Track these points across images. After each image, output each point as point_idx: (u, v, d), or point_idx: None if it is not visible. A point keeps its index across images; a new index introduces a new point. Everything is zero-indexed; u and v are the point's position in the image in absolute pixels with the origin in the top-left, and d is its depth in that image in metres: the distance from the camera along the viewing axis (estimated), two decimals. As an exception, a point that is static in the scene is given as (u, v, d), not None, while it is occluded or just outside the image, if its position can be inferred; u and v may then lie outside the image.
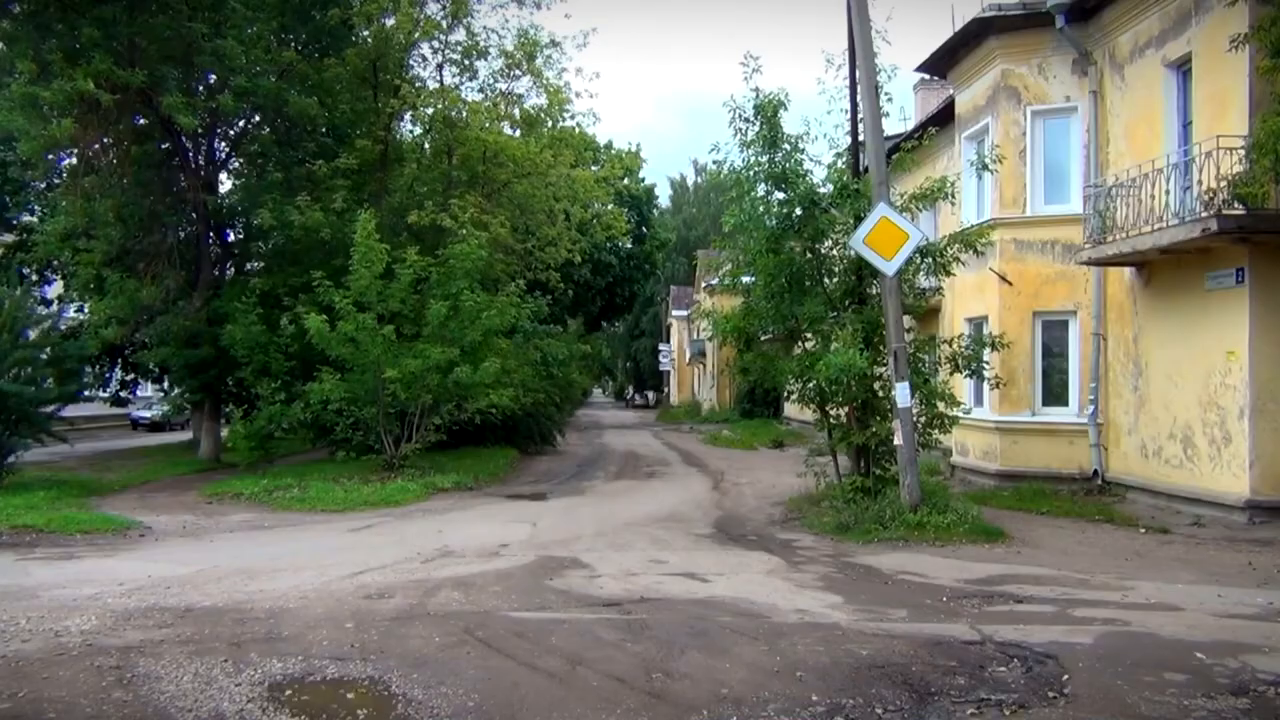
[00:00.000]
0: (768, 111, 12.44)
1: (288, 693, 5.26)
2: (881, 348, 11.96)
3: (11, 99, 17.33)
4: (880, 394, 12.17)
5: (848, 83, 13.00)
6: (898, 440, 11.16)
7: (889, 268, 11.07)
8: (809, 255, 12.82)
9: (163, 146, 21.03)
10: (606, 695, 5.21)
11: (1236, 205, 10.37)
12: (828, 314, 12.59)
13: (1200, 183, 10.85)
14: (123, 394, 31.37)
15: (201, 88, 20.24)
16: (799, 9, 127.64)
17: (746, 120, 12.64)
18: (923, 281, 13.49)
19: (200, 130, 20.42)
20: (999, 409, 14.52)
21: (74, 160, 20.00)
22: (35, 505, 13.12)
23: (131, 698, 5.15)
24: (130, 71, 17.15)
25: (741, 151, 12.79)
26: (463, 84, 22.32)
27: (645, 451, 26.19)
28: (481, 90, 22.51)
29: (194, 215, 21.44)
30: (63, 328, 20.32)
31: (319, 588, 8.00)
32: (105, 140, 19.29)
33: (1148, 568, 9.00)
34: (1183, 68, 12.39)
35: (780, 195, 12.72)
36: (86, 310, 23.91)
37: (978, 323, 15.31)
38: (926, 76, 20.27)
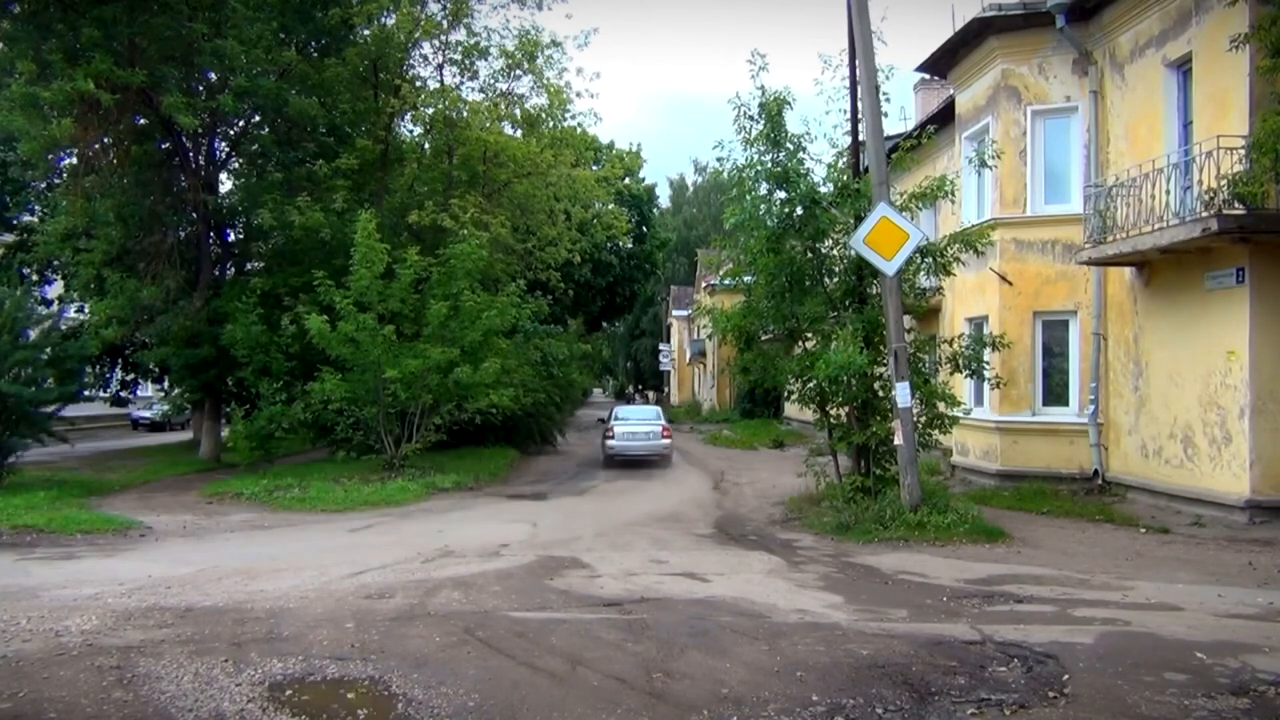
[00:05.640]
0: (772, 110, 12.44)
1: (288, 693, 5.26)
2: (882, 348, 11.96)
3: (11, 99, 17.33)
4: (880, 394, 12.18)
5: (847, 83, 13.01)
6: (898, 440, 11.16)
7: (889, 267, 11.08)
8: (809, 255, 12.83)
9: (163, 146, 21.03)
10: (607, 695, 5.21)
11: (1237, 205, 10.38)
12: (828, 314, 12.61)
13: (1200, 183, 10.85)
14: (123, 394, 31.36)
15: (201, 88, 20.25)
16: (791, 10, 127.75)
17: (750, 118, 12.65)
18: (923, 281, 13.50)
19: (200, 130, 20.42)
20: (999, 409, 14.51)
21: (74, 160, 19.97)
22: (36, 505, 13.12)
23: (132, 698, 5.15)
24: (130, 71, 17.14)
25: (745, 149, 12.81)
26: (463, 84, 22.33)
27: (646, 451, 26.09)
28: (482, 90, 22.51)
29: (194, 215, 21.44)
30: (63, 328, 20.32)
31: (319, 588, 8.00)
32: (105, 140, 19.26)
33: (1148, 568, 9.01)
34: (1183, 67, 12.38)
35: (781, 194, 12.73)
36: (86, 310, 23.91)
37: (978, 323, 15.31)
38: (926, 76, 20.29)
